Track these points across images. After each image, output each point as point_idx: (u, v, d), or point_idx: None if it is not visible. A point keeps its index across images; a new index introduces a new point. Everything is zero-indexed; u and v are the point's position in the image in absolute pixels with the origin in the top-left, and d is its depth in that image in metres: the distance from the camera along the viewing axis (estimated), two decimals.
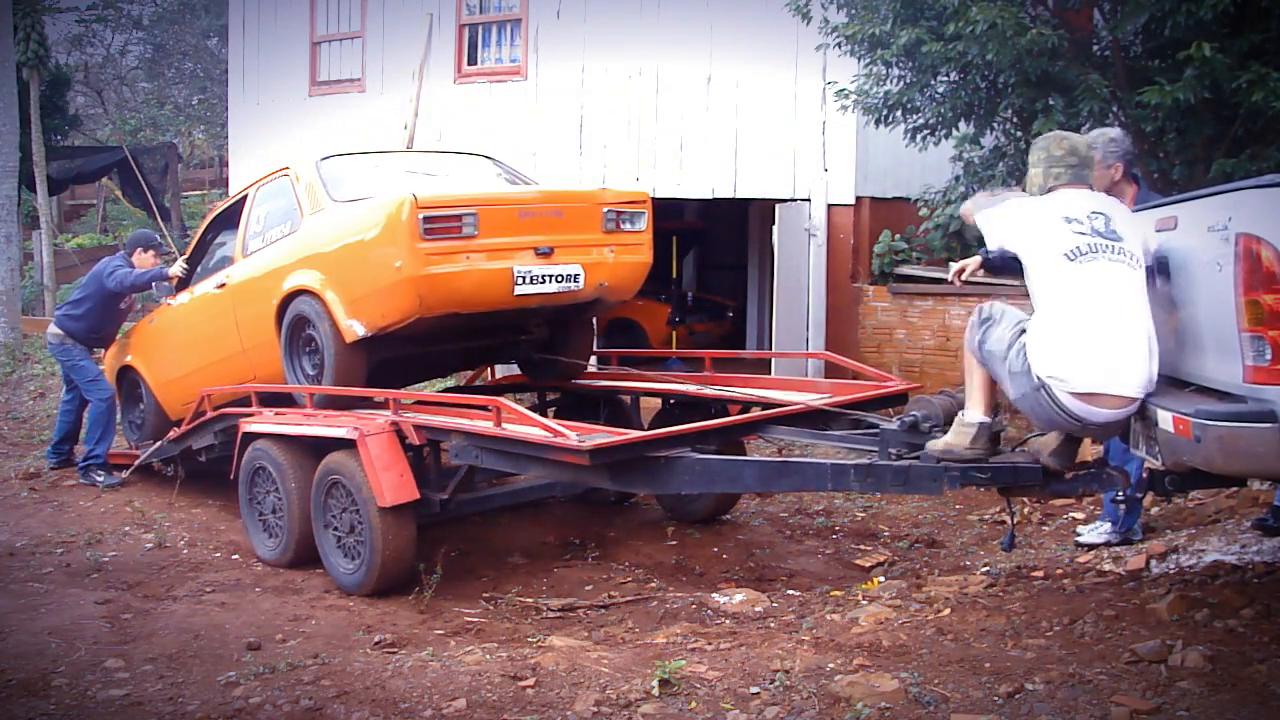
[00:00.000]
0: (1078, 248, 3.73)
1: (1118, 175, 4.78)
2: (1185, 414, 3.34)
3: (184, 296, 7.51)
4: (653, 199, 6.55)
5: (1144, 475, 4.26)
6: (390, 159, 7.63)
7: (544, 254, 5.85)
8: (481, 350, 7.17)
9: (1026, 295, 3.95)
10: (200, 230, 7.81)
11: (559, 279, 5.91)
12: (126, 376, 8.24)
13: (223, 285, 6.96)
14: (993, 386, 4.09)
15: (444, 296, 5.66)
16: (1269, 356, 3.12)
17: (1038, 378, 3.75)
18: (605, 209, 6.14)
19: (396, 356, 6.28)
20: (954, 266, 4.61)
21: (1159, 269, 3.80)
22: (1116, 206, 3.93)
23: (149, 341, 8.02)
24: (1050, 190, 3.96)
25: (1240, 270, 3.16)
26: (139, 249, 7.89)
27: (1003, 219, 4.02)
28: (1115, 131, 4.97)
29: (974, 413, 4.12)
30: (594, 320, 7.27)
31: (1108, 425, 3.80)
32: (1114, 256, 3.72)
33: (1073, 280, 3.73)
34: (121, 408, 8.43)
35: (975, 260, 4.41)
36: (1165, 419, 3.50)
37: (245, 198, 7.03)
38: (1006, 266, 4.18)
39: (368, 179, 6.42)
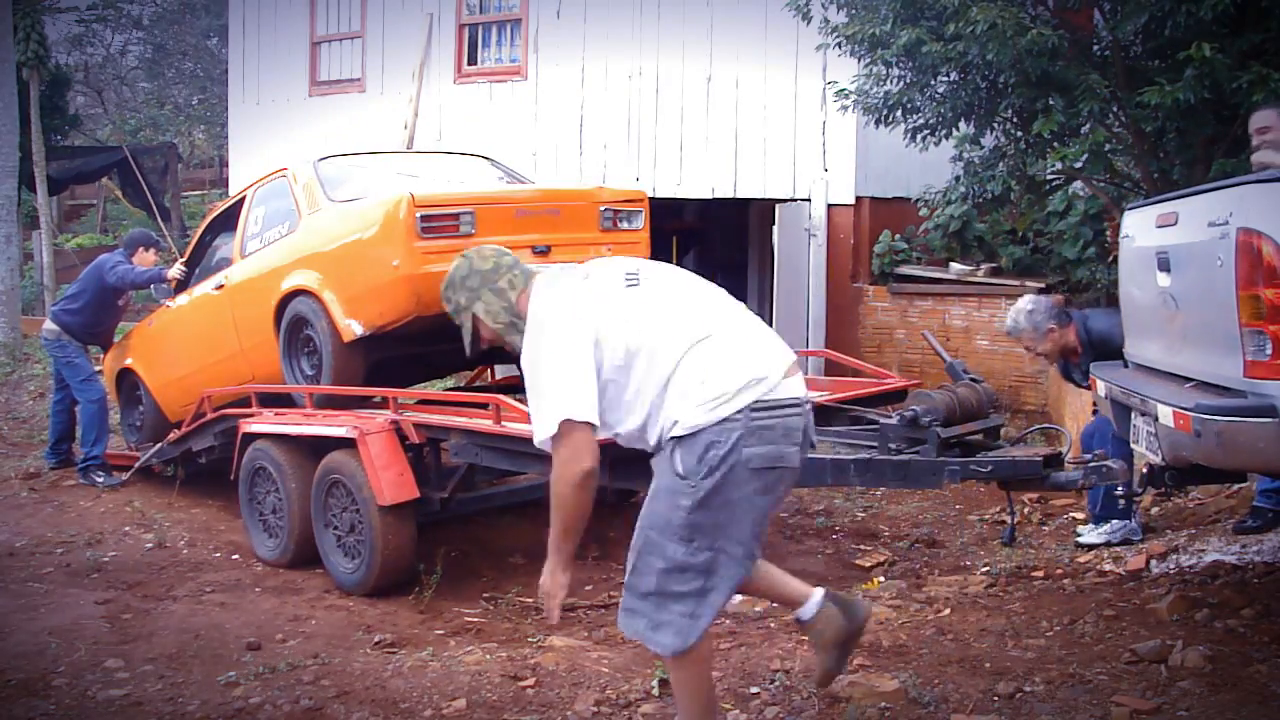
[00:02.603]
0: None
1: (1058, 332, 5.21)
2: (1185, 409, 3.34)
3: (182, 298, 7.51)
4: (652, 199, 6.55)
5: (1144, 471, 4.25)
6: (388, 159, 7.64)
7: (541, 253, 5.85)
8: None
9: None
10: (198, 232, 7.81)
11: None
12: (126, 379, 8.23)
13: (221, 286, 6.96)
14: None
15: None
16: (1269, 351, 3.12)
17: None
18: (602, 208, 6.14)
19: (395, 356, 6.28)
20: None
21: (1160, 265, 3.80)
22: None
23: (148, 344, 8.01)
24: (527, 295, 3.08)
25: (1240, 265, 3.16)
26: (140, 248, 7.88)
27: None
28: (1023, 303, 5.38)
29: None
30: None
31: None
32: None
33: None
34: (121, 410, 8.43)
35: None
36: (1165, 414, 3.50)
37: (243, 199, 7.03)
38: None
39: (365, 179, 6.43)
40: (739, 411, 2.83)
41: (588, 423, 2.85)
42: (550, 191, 6.74)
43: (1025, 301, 5.39)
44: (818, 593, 3.12)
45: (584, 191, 6.61)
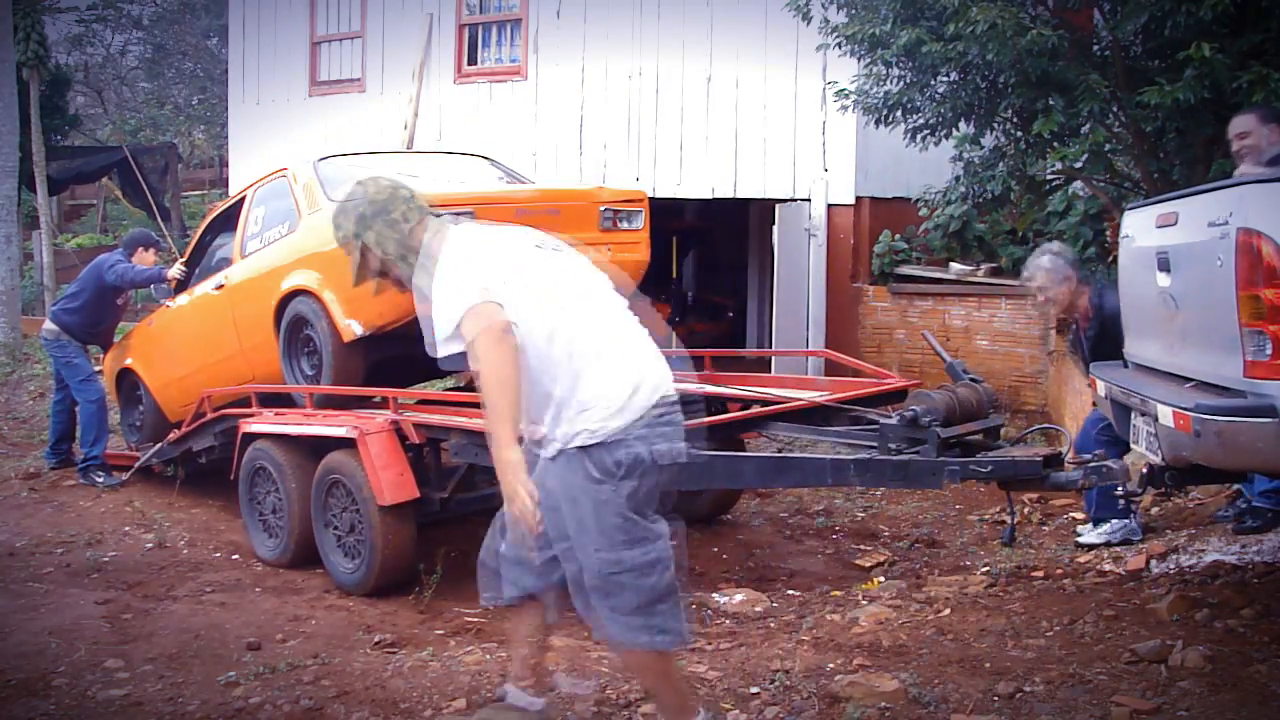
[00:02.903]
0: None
1: (1074, 283, 5.18)
2: (1185, 409, 3.34)
3: (183, 298, 7.51)
4: (652, 199, 6.55)
5: (1144, 471, 4.25)
6: (388, 159, 7.64)
7: None
8: None
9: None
10: (198, 232, 7.82)
11: None
12: (126, 379, 8.23)
13: (221, 286, 6.96)
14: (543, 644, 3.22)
15: None
16: (1269, 351, 3.12)
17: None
18: (602, 208, 6.14)
19: (395, 356, 6.28)
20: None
21: (1160, 265, 3.80)
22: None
23: (148, 344, 8.01)
24: (423, 229, 3.14)
25: (1240, 265, 3.16)
26: (140, 248, 7.88)
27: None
28: (1049, 246, 5.41)
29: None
30: None
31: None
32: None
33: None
34: (121, 410, 8.43)
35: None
36: (1165, 414, 3.50)
37: (243, 199, 7.04)
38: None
39: None
40: (644, 412, 2.94)
41: (493, 302, 2.84)
42: (550, 191, 6.74)
43: (1051, 245, 5.39)
44: (540, 701, 3.25)
45: (584, 191, 6.61)
